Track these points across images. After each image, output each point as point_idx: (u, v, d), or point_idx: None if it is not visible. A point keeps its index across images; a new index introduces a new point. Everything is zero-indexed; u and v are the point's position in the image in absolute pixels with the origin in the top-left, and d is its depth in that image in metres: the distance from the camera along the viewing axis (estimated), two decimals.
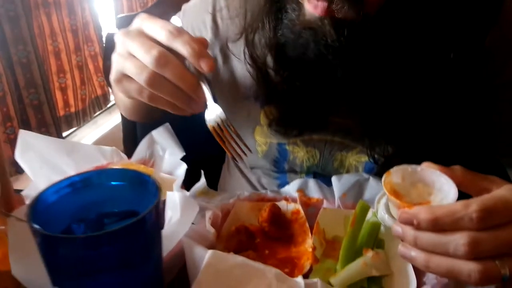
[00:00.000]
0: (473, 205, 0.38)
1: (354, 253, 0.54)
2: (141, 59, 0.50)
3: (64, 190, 0.40)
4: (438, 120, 0.64)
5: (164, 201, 0.60)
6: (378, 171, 0.69)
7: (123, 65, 0.53)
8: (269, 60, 0.67)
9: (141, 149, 0.82)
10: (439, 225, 0.39)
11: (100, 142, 2.20)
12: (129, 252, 0.33)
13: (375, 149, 0.67)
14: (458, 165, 0.47)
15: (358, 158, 0.71)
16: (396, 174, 0.49)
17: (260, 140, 0.75)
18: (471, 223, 0.37)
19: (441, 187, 0.47)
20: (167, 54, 0.50)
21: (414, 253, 0.41)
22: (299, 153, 0.74)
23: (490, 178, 0.45)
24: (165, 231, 0.54)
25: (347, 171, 0.73)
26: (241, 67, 0.73)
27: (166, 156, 0.78)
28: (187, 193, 0.64)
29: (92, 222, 0.42)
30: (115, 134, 2.16)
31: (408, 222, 0.41)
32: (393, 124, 0.64)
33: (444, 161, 0.49)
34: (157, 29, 0.52)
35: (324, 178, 0.73)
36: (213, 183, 0.96)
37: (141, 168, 0.76)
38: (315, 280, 0.47)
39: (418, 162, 0.54)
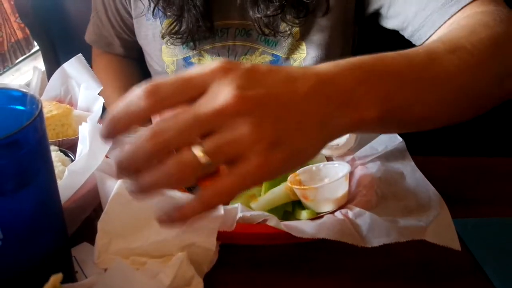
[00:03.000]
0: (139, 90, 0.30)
1: (279, 179, 0.53)
2: None
3: None
4: None
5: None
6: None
7: None
8: None
9: (54, 84, 0.74)
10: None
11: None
12: (0, 177, 0.28)
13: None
14: None
15: (262, 59, 0.74)
16: (303, 176, 0.51)
17: (168, 60, 0.77)
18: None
19: (336, 174, 0.50)
20: None
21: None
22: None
23: None
24: (74, 166, 0.49)
25: None
26: None
27: (81, 90, 0.71)
28: (101, 126, 0.58)
29: None
30: (41, 81, 1.98)
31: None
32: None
33: None
34: None
35: None
36: None
37: (54, 105, 0.68)
38: (236, 205, 0.44)
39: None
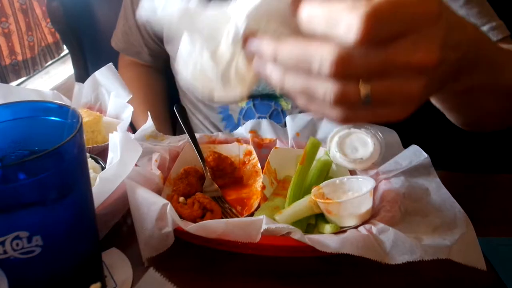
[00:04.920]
0: (359, 10, 0.28)
1: (303, 191, 0.53)
2: None
3: None
4: None
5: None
6: None
7: None
8: None
9: (85, 92, 0.76)
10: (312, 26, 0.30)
11: None
12: (44, 187, 0.29)
13: None
14: None
15: None
16: (327, 189, 0.52)
17: None
18: (353, 32, 0.28)
19: (360, 188, 0.51)
20: None
21: (271, 67, 0.33)
22: None
23: None
24: (105, 174, 0.51)
25: None
26: None
27: (111, 98, 0.73)
28: (130, 135, 0.60)
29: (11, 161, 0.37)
30: (69, 85, 2.04)
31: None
32: None
33: None
34: None
35: (261, 102, 0.80)
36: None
37: (85, 112, 0.71)
38: (261, 216, 0.45)
39: None
